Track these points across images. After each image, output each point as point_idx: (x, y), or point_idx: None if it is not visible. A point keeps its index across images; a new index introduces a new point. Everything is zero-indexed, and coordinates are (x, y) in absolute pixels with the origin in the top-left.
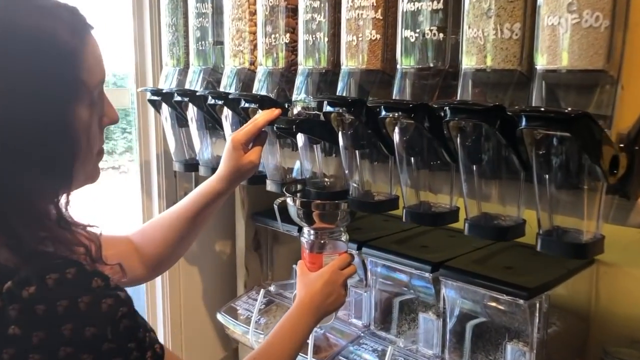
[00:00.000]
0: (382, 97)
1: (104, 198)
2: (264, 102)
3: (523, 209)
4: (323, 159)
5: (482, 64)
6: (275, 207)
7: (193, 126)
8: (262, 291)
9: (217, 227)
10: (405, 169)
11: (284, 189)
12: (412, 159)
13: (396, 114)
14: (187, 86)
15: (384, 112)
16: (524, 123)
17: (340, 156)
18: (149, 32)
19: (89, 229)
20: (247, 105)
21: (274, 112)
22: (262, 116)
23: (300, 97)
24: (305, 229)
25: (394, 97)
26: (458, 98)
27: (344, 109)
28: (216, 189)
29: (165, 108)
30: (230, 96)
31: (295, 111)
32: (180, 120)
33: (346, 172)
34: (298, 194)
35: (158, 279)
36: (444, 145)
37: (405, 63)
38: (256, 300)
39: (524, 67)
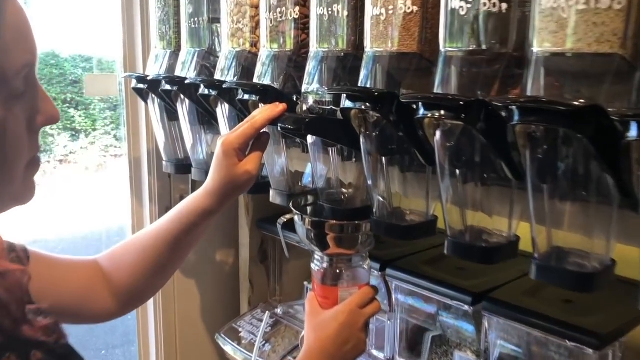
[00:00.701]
0: (419, 90)
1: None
2: (266, 94)
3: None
4: (340, 164)
5: (561, 45)
6: (279, 227)
7: (184, 120)
8: (267, 314)
9: (218, 234)
10: (449, 183)
11: (290, 204)
12: (459, 170)
13: (439, 113)
14: (178, 72)
15: (422, 110)
16: (516, 117)
17: (361, 161)
18: (139, 9)
19: (8, 268)
20: (245, 97)
21: (278, 107)
22: (262, 113)
23: (312, 88)
24: (317, 254)
25: (435, 90)
26: (528, 93)
27: (368, 104)
28: (203, 206)
29: (152, 98)
30: (224, 86)
31: (305, 106)
32: (171, 113)
33: (369, 182)
34: (308, 209)
35: None
36: (505, 155)
37: (451, 44)
38: (261, 321)
39: (627, 50)
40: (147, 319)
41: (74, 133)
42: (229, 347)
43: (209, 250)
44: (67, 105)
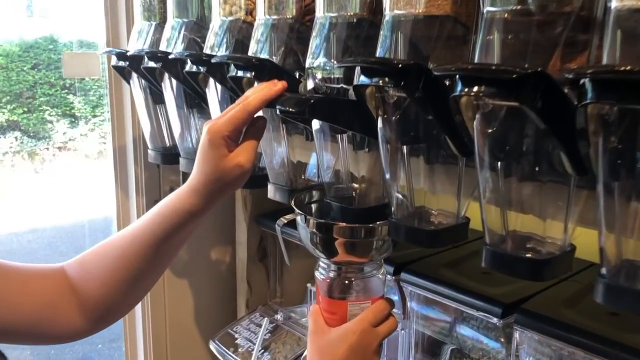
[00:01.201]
0: (451, 61)
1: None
2: (262, 70)
3: None
4: (351, 154)
5: None
6: (278, 229)
7: (170, 102)
8: (266, 320)
9: (213, 230)
10: (490, 178)
11: (291, 201)
12: (503, 162)
13: (482, 90)
14: (163, 47)
15: (459, 87)
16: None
17: (377, 150)
18: None
19: None
20: (238, 73)
21: (276, 86)
22: (256, 93)
23: (319, 62)
24: (322, 262)
25: (474, 61)
26: (604, 61)
27: (387, 80)
28: (186, 207)
29: (135, 78)
30: (213, 60)
31: (310, 84)
32: (156, 95)
33: (387, 176)
34: (313, 207)
35: None
36: (569, 144)
37: (494, 4)
38: (260, 326)
39: None
40: (134, 323)
41: (73, 119)
42: (223, 355)
43: (203, 248)
44: (66, 91)
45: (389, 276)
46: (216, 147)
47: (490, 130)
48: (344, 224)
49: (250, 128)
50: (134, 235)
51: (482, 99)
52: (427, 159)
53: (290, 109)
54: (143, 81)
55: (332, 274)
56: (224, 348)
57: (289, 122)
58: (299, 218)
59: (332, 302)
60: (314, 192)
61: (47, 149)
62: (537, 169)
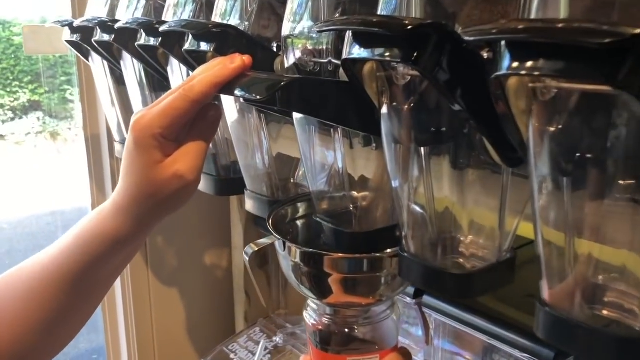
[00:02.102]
0: (490, 20)
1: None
2: (224, 40)
3: None
4: (349, 152)
5: None
6: (246, 259)
7: (131, 84)
8: (261, 345)
9: (206, 233)
10: (553, 196)
11: (269, 218)
12: (571, 175)
13: (546, 66)
14: (121, 13)
15: (506, 61)
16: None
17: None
18: None
19: None
20: (195, 45)
21: (234, 62)
22: (204, 74)
23: (301, 27)
24: (312, 302)
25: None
26: None
27: (395, 51)
28: (110, 231)
29: (94, 55)
30: (162, 29)
31: (291, 58)
32: (119, 76)
33: (395, 187)
34: (299, 225)
35: (120, 306)
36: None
37: None
38: (259, 343)
39: None
40: (117, 340)
41: None
42: None
43: (194, 253)
44: None
45: (407, 299)
46: (145, 149)
47: (554, 129)
48: (339, 254)
49: (197, 122)
50: (43, 267)
51: (545, 80)
52: (454, 164)
53: (255, 96)
54: (103, 59)
55: (325, 319)
56: None
57: (265, 111)
58: (277, 244)
59: (327, 357)
60: (300, 205)
61: (70, 129)
62: (621, 182)
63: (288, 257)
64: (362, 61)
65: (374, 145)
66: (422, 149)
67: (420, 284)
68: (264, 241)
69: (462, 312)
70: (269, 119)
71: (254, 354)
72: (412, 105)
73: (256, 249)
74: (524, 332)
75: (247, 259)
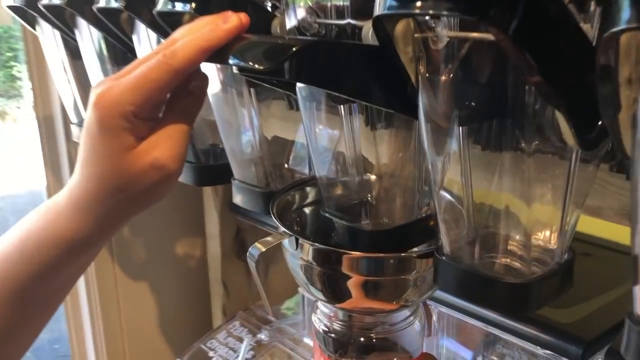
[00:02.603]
0: None
1: None
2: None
3: None
4: (366, 133)
5: None
6: (252, 264)
7: (88, 56)
8: (244, 343)
9: (177, 221)
10: None
11: (273, 208)
12: None
13: None
14: None
15: (626, 13)
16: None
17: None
18: None
19: None
20: (169, 6)
21: (228, 22)
22: (190, 36)
23: None
24: (323, 306)
25: None
26: None
27: (443, 4)
28: (67, 233)
29: (44, 25)
30: None
31: (292, 19)
32: (72, 46)
33: (432, 173)
34: (306, 215)
35: (84, 305)
36: None
37: None
38: (241, 339)
39: None
40: (83, 342)
41: None
42: None
43: (165, 244)
44: None
45: None
46: (112, 132)
47: None
48: (362, 253)
49: (178, 96)
50: None
51: None
52: (498, 145)
53: (257, 65)
54: (54, 28)
55: (339, 327)
56: None
57: (259, 84)
58: (286, 242)
59: None
60: (307, 189)
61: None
62: None
63: (297, 255)
64: (396, 18)
65: (394, 125)
66: (465, 129)
67: (464, 294)
68: (272, 239)
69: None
70: (262, 95)
71: (235, 351)
72: (454, 74)
73: (263, 250)
74: (547, 327)
75: (253, 263)
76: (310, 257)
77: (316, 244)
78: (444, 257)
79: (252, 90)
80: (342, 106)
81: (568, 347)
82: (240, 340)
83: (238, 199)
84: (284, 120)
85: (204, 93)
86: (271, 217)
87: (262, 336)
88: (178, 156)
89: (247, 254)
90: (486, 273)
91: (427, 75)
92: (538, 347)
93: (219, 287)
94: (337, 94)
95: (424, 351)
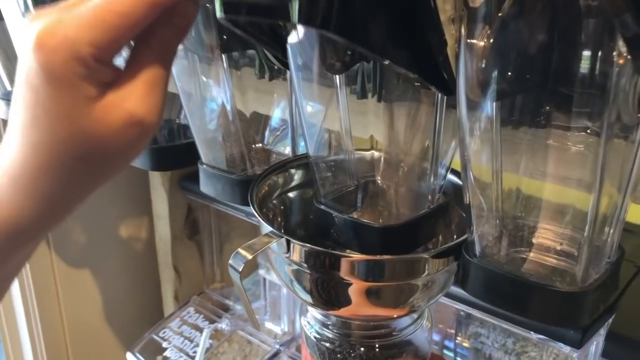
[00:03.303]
0: None
1: None
2: None
3: None
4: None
5: None
6: (237, 277)
7: (9, 13)
8: (205, 333)
9: (120, 200)
10: None
11: (251, 198)
12: None
13: None
14: None
15: None
16: None
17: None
18: None
19: None
20: None
21: None
22: None
23: None
24: (314, 313)
25: None
26: None
27: None
28: (6, 220)
29: None
30: None
31: None
32: None
33: (467, 160)
34: (292, 203)
35: (17, 299)
36: None
37: None
38: (197, 328)
39: None
40: (18, 336)
41: None
42: None
43: (107, 227)
44: None
45: None
46: (65, 83)
47: None
48: (364, 255)
49: (153, 29)
50: None
51: None
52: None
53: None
54: None
55: (335, 336)
56: None
57: (234, 46)
58: (275, 246)
59: None
60: (293, 173)
61: None
62: None
63: (287, 259)
64: None
65: (410, 98)
66: (499, 104)
67: (504, 305)
68: (260, 242)
69: None
70: (236, 65)
71: (191, 340)
72: (496, 38)
73: (250, 257)
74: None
75: (238, 274)
76: (303, 261)
77: (310, 245)
78: (475, 259)
79: (225, 56)
80: (337, 77)
81: (565, 331)
82: (197, 328)
83: (208, 187)
84: (258, 92)
85: (189, 23)
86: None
87: (223, 325)
88: (157, 106)
89: (229, 264)
90: (533, 279)
91: (467, 38)
92: (531, 332)
93: (169, 272)
94: (357, 46)
95: (433, 352)
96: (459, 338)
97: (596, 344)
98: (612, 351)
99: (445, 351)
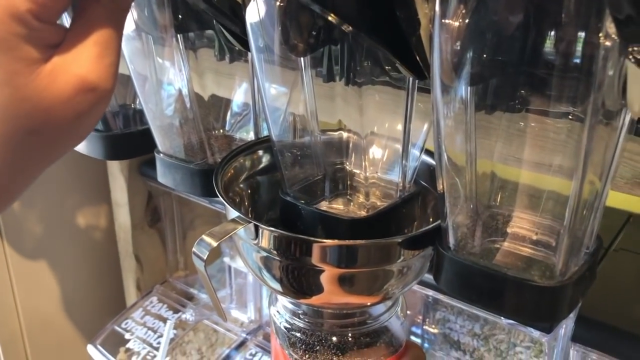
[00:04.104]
0: None
1: None
2: None
3: None
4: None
5: None
6: (201, 265)
7: None
8: (169, 324)
9: (76, 187)
10: None
11: (216, 183)
12: None
13: None
14: None
15: None
16: None
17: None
18: None
19: None
20: None
21: None
22: None
23: None
24: (285, 301)
25: None
26: None
27: None
28: None
29: None
30: None
31: None
32: None
33: (439, 137)
34: (260, 188)
35: None
36: None
37: None
38: (161, 317)
39: None
40: None
41: None
42: None
43: (63, 215)
44: None
45: None
46: (3, 44)
47: None
48: (336, 241)
49: None
50: None
51: None
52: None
53: None
54: None
55: (306, 325)
56: (110, 356)
57: (190, 26)
58: (242, 232)
59: None
60: (262, 155)
61: None
62: None
63: (256, 245)
64: None
65: (359, 82)
66: (473, 88)
67: (480, 301)
68: (226, 228)
69: None
70: (193, 46)
71: (155, 331)
72: (472, 17)
73: (215, 245)
74: None
75: (202, 262)
76: (272, 247)
77: (280, 230)
78: (449, 253)
79: (181, 37)
80: (302, 59)
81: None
82: (160, 318)
83: (166, 178)
84: (218, 74)
85: None
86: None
87: (187, 315)
88: (110, 69)
89: (193, 252)
90: (511, 274)
91: (441, 18)
92: (501, 318)
93: (130, 261)
94: (327, 14)
95: (407, 340)
96: (426, 324)
97: (565, 327)
98: (581, 335)
99: (413, 337)
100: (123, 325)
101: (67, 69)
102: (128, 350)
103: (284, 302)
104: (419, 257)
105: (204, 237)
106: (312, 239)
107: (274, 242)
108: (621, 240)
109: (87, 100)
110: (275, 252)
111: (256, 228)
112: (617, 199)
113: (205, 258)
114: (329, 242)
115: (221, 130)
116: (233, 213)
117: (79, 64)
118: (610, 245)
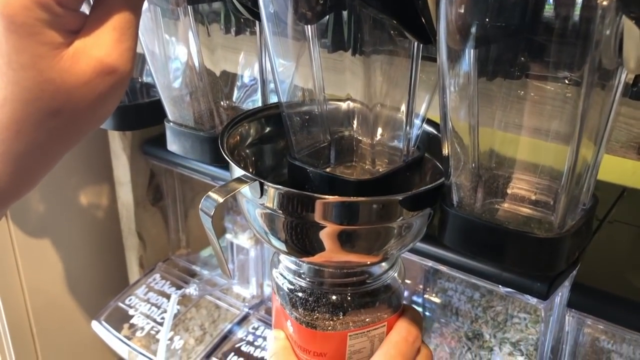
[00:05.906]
0: None
1: None
2: None
3: None
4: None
5: None
6: (208, 221)
7: None
8: (173, 299)
9: (79, 165)
10: None
11: (221, 143)
12: None
13: None
14: None
15: None
16: None
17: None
18: None
19: None
20: None
21: None
22: None
23: None
24: (286, 261)
25: None
26: None
27: None
28: None
29: None
30: None
31: None
32: None
33: (445, 101)
34: (263, 152)
35: None
36: None
37: None
38: (164, 295)
39: None
40: None
41: None
42: (114, 342)
43: (68, 193)
44: None
45: None
46: (27, 30)
47: None
48: (338, 197)
49: None
50: None
51: None
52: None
53: None
54: None
55: (308, 284)
56: (114, 332)
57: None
58: (246, 190)
59: (316, 335)
60: (267, 122)
61: None
62: None
63: (258, 203)
64: None
65: (361, 52)
66: (476, 52)
67: (481, 253)
68: (232, 185)
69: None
70: (202, 18)
71: (158, 307)
72: None
73: (221, 201)
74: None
75: (209, 218)
76: (277, 205)
77: (286, 188)
78: (453, 209)
79: (190, 9)
80: (309, 28)
81: (532, 283)
82: (164, 294)
83: (175, 146)
84: (226, 49)
85: None
86: (205, 164)
87: (191, 290)
88: (129, 53)
89: (200, 207)
90: (512, 227)
91: None
92: (499, 286)
93: (133, 239)
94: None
95: (405, 304)
96: (427, 294)
97: (561, 295)
98: (577, 301)
99: (414, 306)
100: (127, 302)
101: (88, 53)
102: (132, 326)
103: (287, 262)
104: (419, 216)
105: (211, 193)
106: (316, 195)
107: (278, 199)
108: (615, 213)
109: (107, 82)
110: (279, 209)
111: (261, 186)
112: (612, 170)
113: (212, 214)
114: (331, 198)
115: (229, 101)
116: (238, 172)
117: (99, 48)
118: (605, 217)
